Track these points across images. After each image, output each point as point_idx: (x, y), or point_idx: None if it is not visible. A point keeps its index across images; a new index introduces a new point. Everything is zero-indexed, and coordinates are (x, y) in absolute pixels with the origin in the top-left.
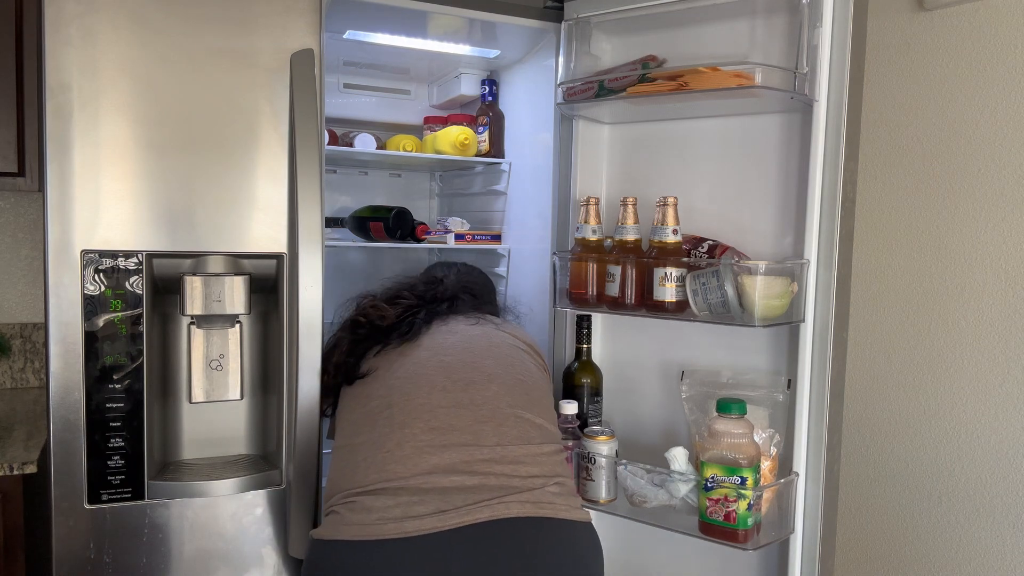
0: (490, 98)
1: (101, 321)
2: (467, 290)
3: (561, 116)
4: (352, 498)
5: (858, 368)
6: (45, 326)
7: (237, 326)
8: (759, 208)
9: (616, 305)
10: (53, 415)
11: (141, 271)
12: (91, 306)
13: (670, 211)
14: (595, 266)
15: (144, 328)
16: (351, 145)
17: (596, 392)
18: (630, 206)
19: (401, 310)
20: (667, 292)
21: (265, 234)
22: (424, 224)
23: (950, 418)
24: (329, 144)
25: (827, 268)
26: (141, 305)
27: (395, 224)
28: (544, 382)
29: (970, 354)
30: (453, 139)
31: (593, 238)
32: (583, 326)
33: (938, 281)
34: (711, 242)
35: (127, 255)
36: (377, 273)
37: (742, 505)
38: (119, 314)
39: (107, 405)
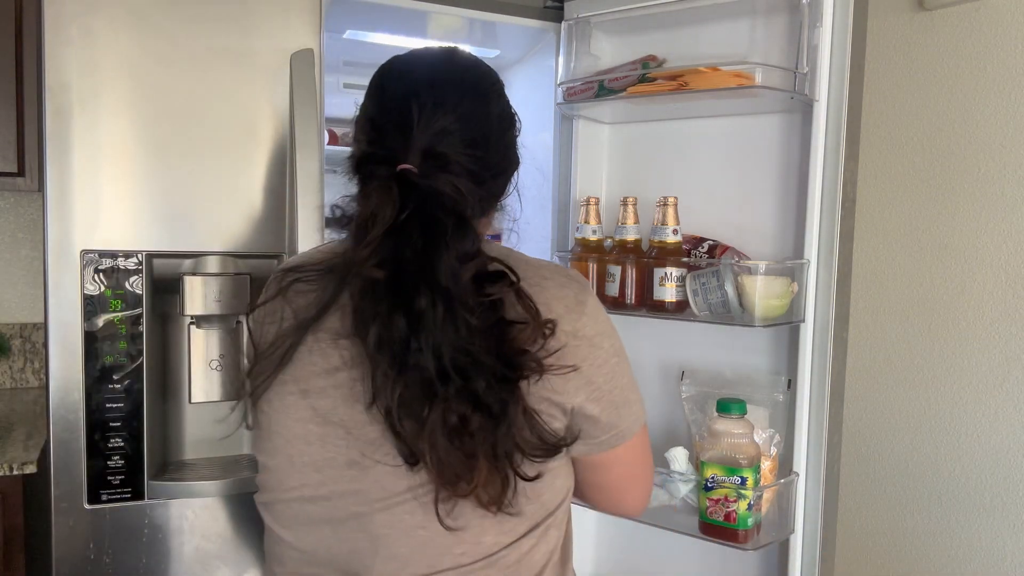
0: None
1: (101, 321)
2: None
3: (561, 116)
4: None
5: (858, 368)
6: (45, 326)
7: (237, 326)
8: (759, 208)
9: (616, 305)
10: (53, 415)
11: (141, 271)
12: (91, 306)
13: (670, 211)
14: (595, 266)
15: (144, 328)
16: (351, 145)
17: None
18: (630, 206)
19: None
20: (667, 292)
21: (265, 234)
22: None
23: (950, 418)
24: (329, 144)
25: (827, 268)
26: (141, 305)
27: None
28: None
29: (970, 354)
30: None
31: (593, 238)
32: None
33: (938, 281)
34: (711, 242)
35: (127, 255)
36: None
37: (742, 505)
38: (119, 314)
39: (107, 405)
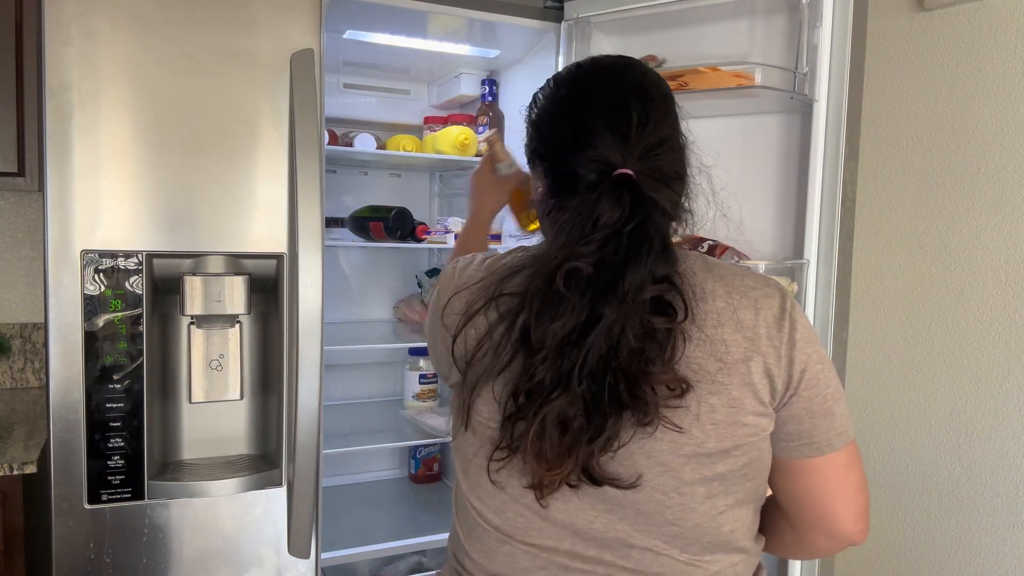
0: (490, 98)
1: (101, 321)
2: None
3: None
4: None
5: (858, 368)
6: (45, 326)
7: (237, 326)
8: (759, 208)
9: None
10: (53, 415)
11: (141, 271)
12: (91, 306)
13: None
14: None
15: (144, 328)
16: (351, 145)
17: None
18: None
19: None
20: None
21: (265, 234)
22: (424, 224)
23: (950, 418)
24: (329, 144)
25: (827, 268)
26: (141, 305)
27: (395, 224)
28: None
29: (970, 354)
30: (453, 139)
31: None
32: None
33: (938, 281)
34: (711, 242)
35: (127, 255)
36: (377, 273)
37: None
38: (119, 314)
39: (107, 405)
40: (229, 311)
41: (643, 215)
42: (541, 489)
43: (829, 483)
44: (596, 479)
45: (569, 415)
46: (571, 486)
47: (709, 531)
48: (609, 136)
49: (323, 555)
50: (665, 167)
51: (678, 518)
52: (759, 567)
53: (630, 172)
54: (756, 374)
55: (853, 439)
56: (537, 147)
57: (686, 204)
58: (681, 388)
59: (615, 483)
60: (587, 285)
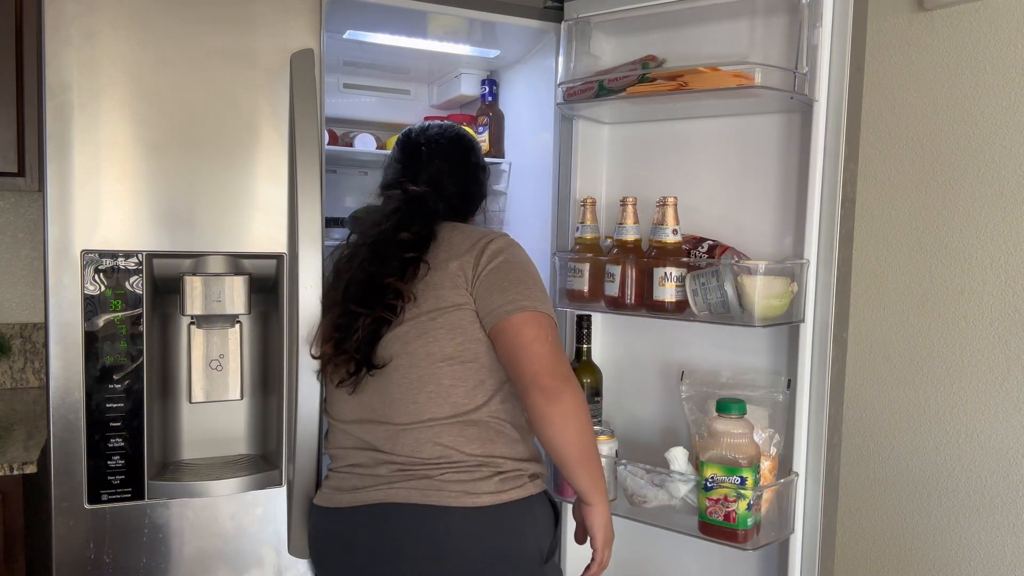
0: (490, 98)
1: (101, 321)
2: None
3: (561, 116)
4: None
5: (858, 368)
6: (45, 326)
7: (237, 326)
8: (759, 208)
9: (616, 305)
10: (53, 415)
11: (141, 271)
12: (91, 306)
13: (670, 211)
14: (595, 266)
15: (144, 328)
16: (351, 145)
17: (596, 392)
18: (630, 206)
19: None
20: (667, 292)
21: (265, 234)
22: None
23: (950, 418)
24: (329, 144)
25: (827, 268)
26: (141, 305)
27: None
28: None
29: (970, 354)
30: None
31: (591, 237)
32: (583, 326)
33: (938, 281)
34: (711, 242)
35: (127, 255)
36: None
37: (742, 505)
38: (119, 314)
39: (107, 405)
40: (229, 311)
41: (413, 208)
42: (330, 378)
43: (508, 339)
44: (371, 364)
45: (343, 323)
46: (351, 376)
47: (430, 382)
48: (410, 168)
49: None
50: (444, 189)
51: (407, 375)
52: (533, 466)
53: (418, 189)
54: (453, 268)
55: (531, 311)
56: (383, 180)
57: (480, 217)
58: (413, 296)
59: (382, 365)
60: (362, 241)
